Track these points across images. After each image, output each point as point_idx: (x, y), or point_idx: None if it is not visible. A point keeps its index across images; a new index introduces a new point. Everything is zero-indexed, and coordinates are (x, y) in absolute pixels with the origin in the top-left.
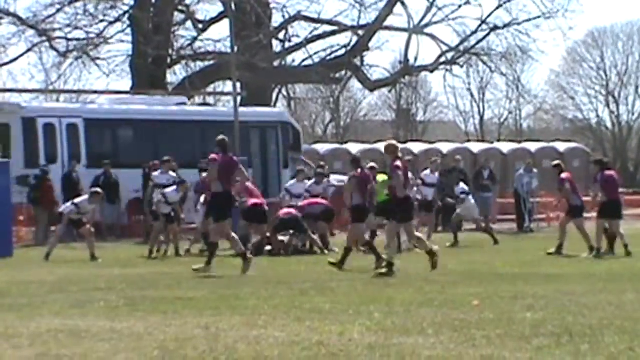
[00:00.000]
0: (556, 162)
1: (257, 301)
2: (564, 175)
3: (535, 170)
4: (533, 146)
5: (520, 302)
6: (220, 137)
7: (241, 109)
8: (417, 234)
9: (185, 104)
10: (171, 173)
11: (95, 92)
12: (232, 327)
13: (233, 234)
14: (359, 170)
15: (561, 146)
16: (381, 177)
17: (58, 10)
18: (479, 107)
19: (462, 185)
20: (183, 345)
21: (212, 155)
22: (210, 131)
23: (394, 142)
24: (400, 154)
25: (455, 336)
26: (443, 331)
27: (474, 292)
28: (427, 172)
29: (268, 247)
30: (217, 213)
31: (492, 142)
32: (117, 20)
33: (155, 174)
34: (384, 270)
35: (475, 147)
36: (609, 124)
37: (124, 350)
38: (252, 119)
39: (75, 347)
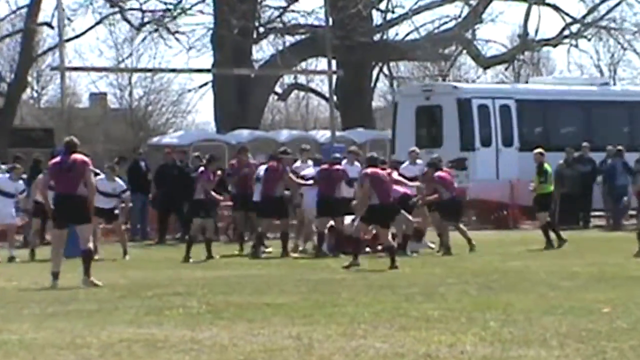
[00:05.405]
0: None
1: (356, 308)
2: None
3: None
4: None
5: None
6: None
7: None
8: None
9: (607, 84)
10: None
11: (173, 70)
12: (328, 337)
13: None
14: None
15: None
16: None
17: None
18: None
19: None
20: (272, 357)
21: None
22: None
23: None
24: None
25: (583, 348)
26: (568, 342)
27: (603, 298)
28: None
29: None
30: None
31: None
32: None
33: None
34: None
35: None
36: None
37: None
38: None
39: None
